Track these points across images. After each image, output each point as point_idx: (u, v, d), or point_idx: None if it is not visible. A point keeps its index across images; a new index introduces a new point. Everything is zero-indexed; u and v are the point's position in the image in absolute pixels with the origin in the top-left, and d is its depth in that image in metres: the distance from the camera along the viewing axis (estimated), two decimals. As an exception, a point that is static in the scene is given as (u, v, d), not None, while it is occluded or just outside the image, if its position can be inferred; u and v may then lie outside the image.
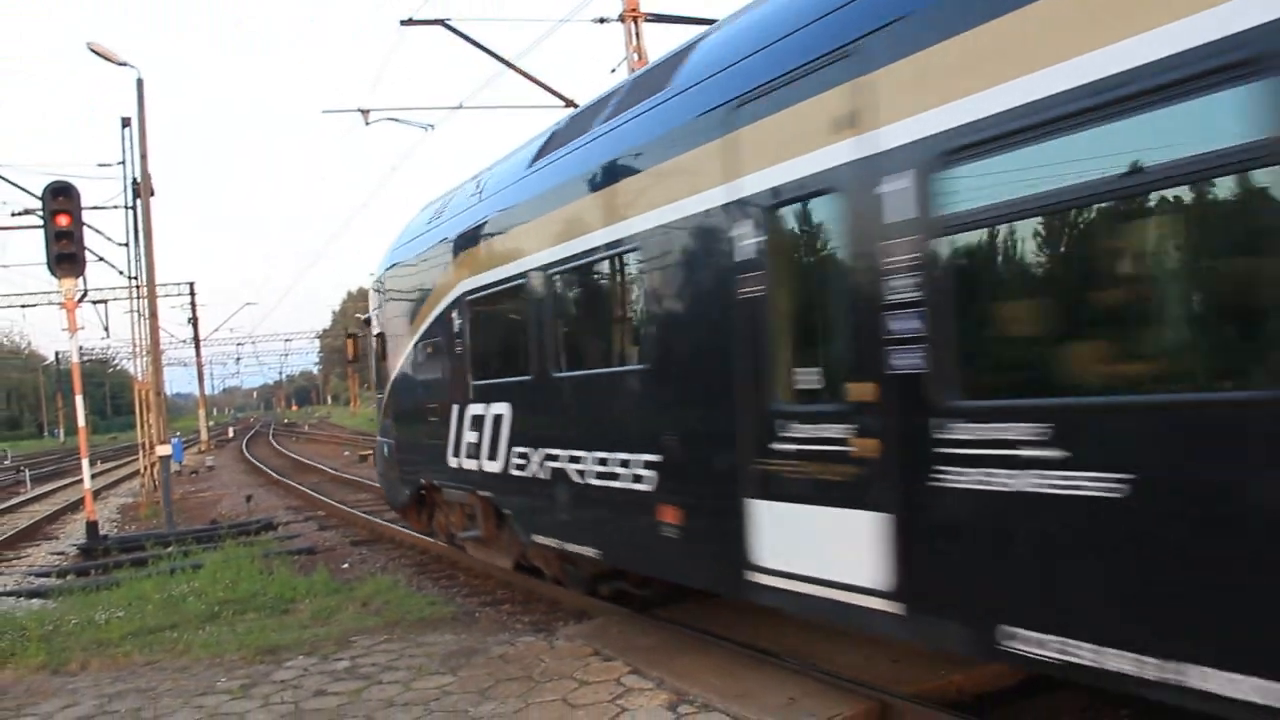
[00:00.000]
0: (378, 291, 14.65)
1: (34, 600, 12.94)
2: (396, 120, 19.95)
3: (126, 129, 24.42)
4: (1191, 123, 4.08)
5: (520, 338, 9.70)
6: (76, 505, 24.16)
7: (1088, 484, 4.44)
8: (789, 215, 6.28)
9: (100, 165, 30.13)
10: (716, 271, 6.78)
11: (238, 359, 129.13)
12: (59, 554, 17.91)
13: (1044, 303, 4.94)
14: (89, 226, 26.75)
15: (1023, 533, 4.78)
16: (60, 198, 16.63)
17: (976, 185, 4.96)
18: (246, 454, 47.13)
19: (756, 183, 6.38)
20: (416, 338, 12.60)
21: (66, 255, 16.61)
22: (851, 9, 5.70)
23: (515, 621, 10.10)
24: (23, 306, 53.91)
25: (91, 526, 17.51)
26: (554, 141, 9.61)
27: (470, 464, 10.93)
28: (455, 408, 11.27)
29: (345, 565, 14.44)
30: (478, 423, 10.67)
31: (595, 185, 8.38)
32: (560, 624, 9.57)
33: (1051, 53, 4.50)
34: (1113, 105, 4.26)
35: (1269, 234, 3.93)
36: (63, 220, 16.53)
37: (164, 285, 52.05)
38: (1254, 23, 3.78)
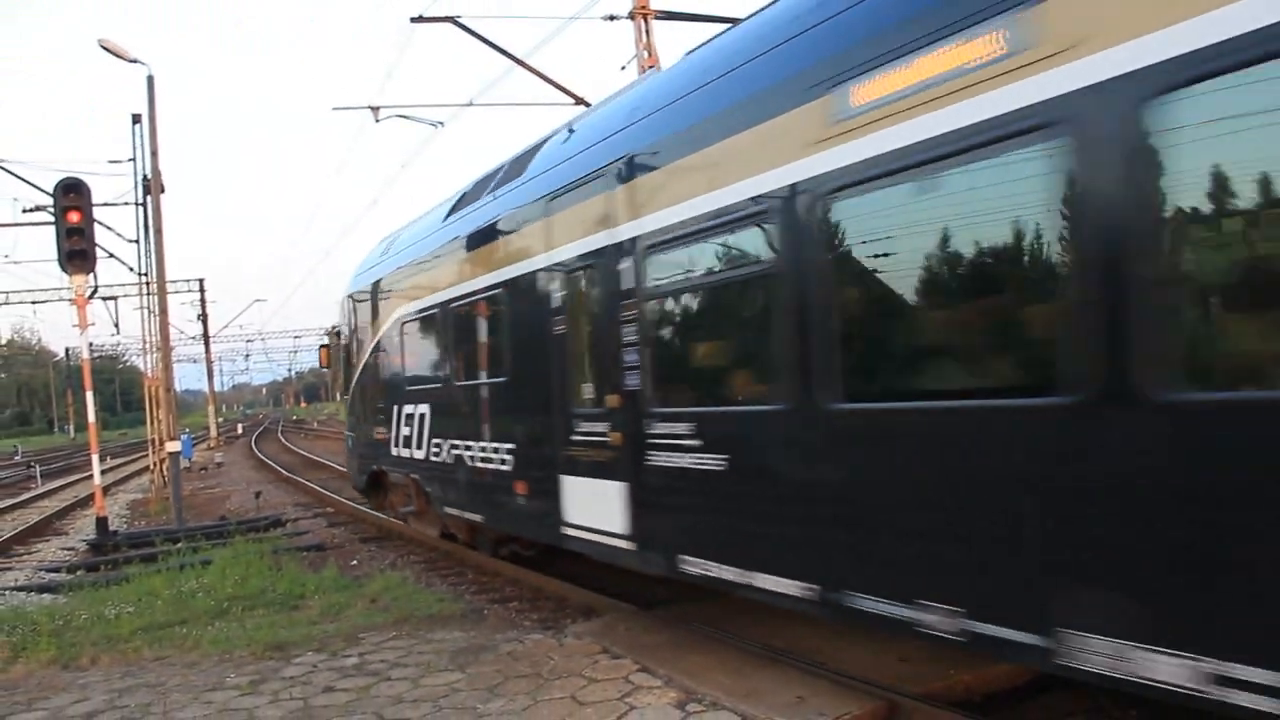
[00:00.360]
0: (344, 308, 17.78)
1: (44, 595, 13.01)
2: (406, 117, 19.98)
3: (137, 126, 24.47)
4: (722, 250, 7.13)
5: (435, 354, 12.83)
6: (86, 501, 24.22)
7: (710, 462, 7.13)
8: (578, 278, 8.99)
9: (111, 162, 30.16)
10: (541, 314, 9.53)
11: (247, 355, 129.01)
12: (69, 549, 17.98)
13: (687, 348, 7.88)
14: (99, 223, 26.76)
15: (683, 494, 7.47)
16: (71, 194, 16.67)
17: (660, 269, 7.69)
18: (255, 450, 47.26)
19: (561, 254, 9.22)
20: (370, 350, 15.76)
21: (77, 251, 16.65)
22: (609, 143, 8.61)
23: (523, 619, 10.11)
24: (34, 303, 53.87)
25: (101, 522, 17.56)
26: (459, 203, 12.53)
27: (405, 453, 13.99)
28: (395, 408, 14.35)
29: (354, 562, 14.46)
30: (409, 420, 13.72)
31: (478, 243, 11.29)
32: (568, 622, 9.58)
33: (684, 194, 7.35)
34: (703, 231, 7.14)
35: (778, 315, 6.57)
36: (74, 217, 16.57)
37: (174, 282, 52.17)
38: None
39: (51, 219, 18.41)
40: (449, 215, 12.60)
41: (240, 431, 73.88)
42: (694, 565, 7.37)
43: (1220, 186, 4.18)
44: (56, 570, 15.33)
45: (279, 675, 8.11)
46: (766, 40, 6.83)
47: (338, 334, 18.88)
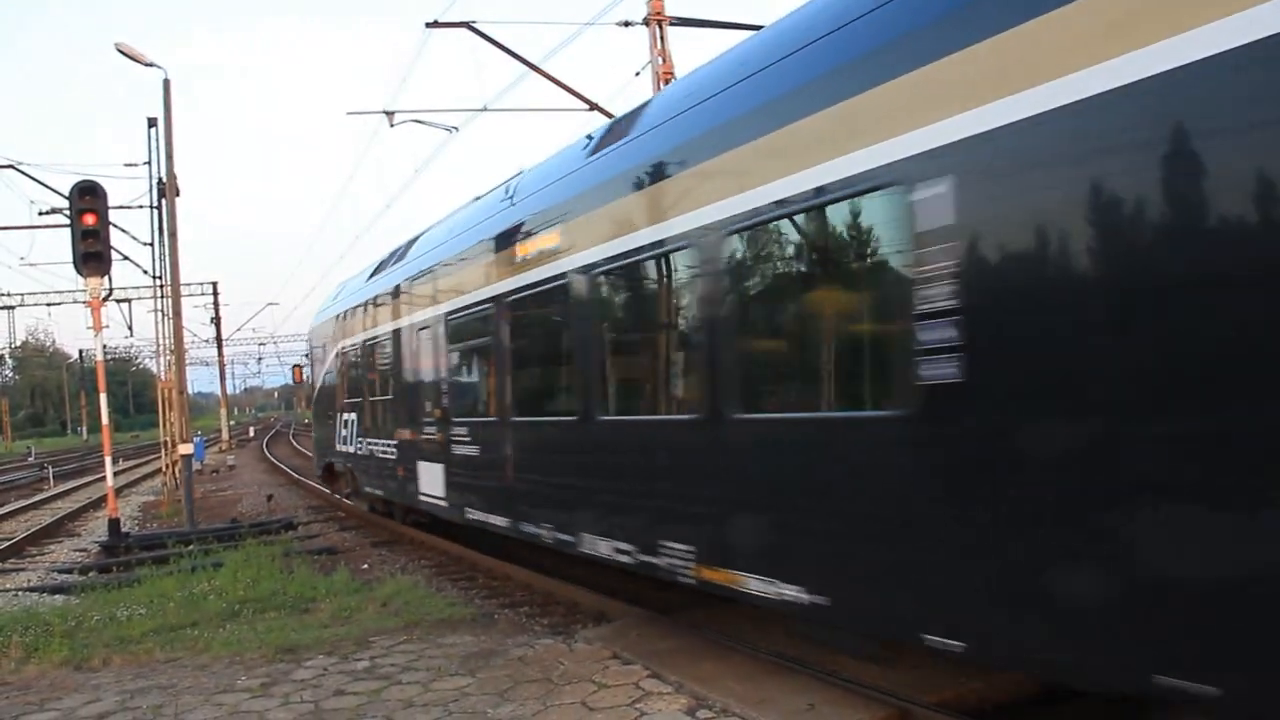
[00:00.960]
0: (309, 339, 24.31)
1: (57, 596, 13.04)
2: (421, 122, 20.00)
3: (153, 129, 24.61)
4: (463, 332, 12.42)
5: (358, 378, 18.13)
6: (99, 503, 24.29)
7: (476, 452, 11.69)
8: (419, 334, 13.92)
9: (127, 165, 30.32)
10: (404, 355, 14.74)
11: (259, 359, 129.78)
12: (81, 551, 18.03)
13: (461, 383, 12.63)
14: (115, 226, 26.90)
15: (460, 470, 12.31)
16: (87, 197, 16.73)
17: (451, 334, 12.58)
18: (267, 453, 47.37)
19: (410, 320, 14.38)
20: (323, 372, 21.63)
21: (93, 254, 16.71)
22: (433, 253, 13.70)
23: (534, 623, 10.10)
24: (48, 305, 54.17)
25: (114, 524, 17.59)
26: (376, 270, 17.37)
27: (343, 448, 19.35)
28: (338, 416, 19.72)
29: (365, 566, 14.47)
30: (345, 424, 19.01)
31: (377, 301, 16.49)
32: (579, 627, 9.57)
33: (469, 285, 11.79)
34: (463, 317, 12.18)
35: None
36: (89, 219, 16.63)
37: (188, 285, 52.49)
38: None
39: (67, 221, 18.47)
40: (370, 277, 17.72)
41: (252, 434, 74.10)
42: (471, 514, 12.03)
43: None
44: (69, 571, 15.38)
45: (290, 678, 8.12)
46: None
47: (307, 357, 25.07)
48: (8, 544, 18.26)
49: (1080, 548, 4.47)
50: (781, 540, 6.56)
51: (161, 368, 29.01)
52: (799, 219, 6.46)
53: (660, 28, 18.14)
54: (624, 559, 8.36)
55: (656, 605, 9.55)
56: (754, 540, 6.79)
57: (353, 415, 18.20)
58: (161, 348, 28.26)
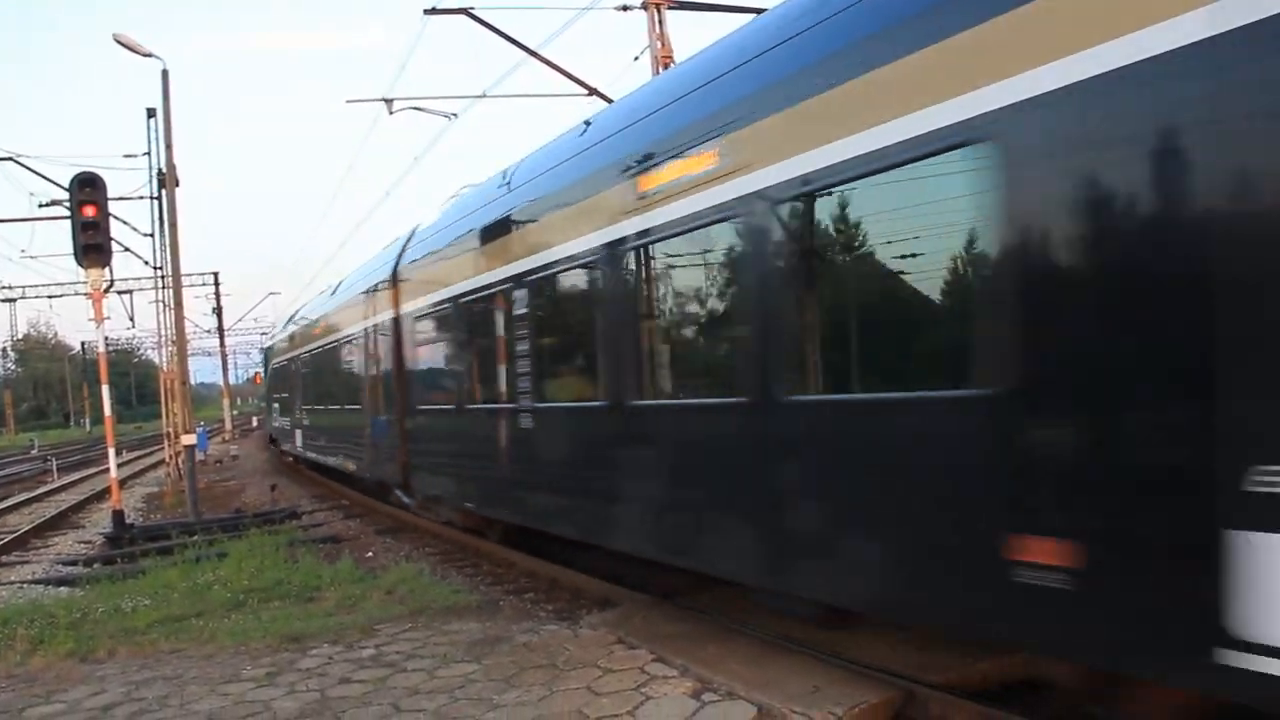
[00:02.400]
0: (267, 350, 38.44)
1: (62, 588, 13.07)
2: (420, 109, 19.94)
3: (152, 120, 24.54)
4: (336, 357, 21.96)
5: (303, 384, 26.54)
6: (102, 494, 24.32)
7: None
8: (331, 352, 22.07)
9: (126, 156, 30.42)
10: (346, 363, 20.01)
11: (261, 348, 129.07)
12: (86, 543, 18.06)
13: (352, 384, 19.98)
14: (115, 217, 26.79)
15: (311, 432, 25.90)
16: (87, 188, 16.69)
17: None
18: (270, 443, 47.41)
19: (319, 344, 23.57)
20: (267, 379, 39.35)
21: (93, 245, 16.68)
22: (335, 293, 22.68)
23: (539, 610, 10.11)
24: (50, 297, 54.23)
25: (118, 515, 17.61)
26: (335, 292, 22.70)
27: (276, 424, 35.48)
28: (277, 406, 34.35)
29: (370, 554, 14.50)
30: (281, 412, 33.66)
31: (297, 330, 28.37)
32: (584, 612, 9.57)
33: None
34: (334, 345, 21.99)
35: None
36: (89, 211, 16.59)
37: (189, 275, 52.28)
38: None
39: (67, 213, 18.44)
40: (293, 316, 30.67)
41: (255, 424, 74.04)
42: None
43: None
44: (73, 564, 15.40)
45: (295, 667, 8.12)
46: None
47: (264, 367, 39.99)
48: (12, 536, 18.31)
49: None
50: None
51: (164, 359, 29.06)
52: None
53: (659, 11, 18.04)
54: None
55: (660, 590, 9.55)
56: None
57: (278, 405, 35.12)
58: (163, 339, 28.25)
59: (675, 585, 9.43)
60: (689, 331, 8.57)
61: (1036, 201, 4.74)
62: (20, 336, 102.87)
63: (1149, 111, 4.21)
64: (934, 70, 5.17)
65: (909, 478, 5.56)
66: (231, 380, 74.67)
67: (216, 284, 58.74)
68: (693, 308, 8.21)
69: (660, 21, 18.04)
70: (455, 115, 20.28)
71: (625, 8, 18.19)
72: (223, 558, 13.36)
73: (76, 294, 50.49)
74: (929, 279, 5.87)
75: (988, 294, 5.15)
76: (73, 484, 31.04)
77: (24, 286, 55.48)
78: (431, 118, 20.38)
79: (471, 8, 16.22)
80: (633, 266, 8.31)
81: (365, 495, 20.67)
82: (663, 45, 17.78)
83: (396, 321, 15.45)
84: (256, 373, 42.33)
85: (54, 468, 37.04)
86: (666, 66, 17.46)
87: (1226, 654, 3.94)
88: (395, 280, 15.53)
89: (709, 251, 7.56)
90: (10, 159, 31.19)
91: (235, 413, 70.97)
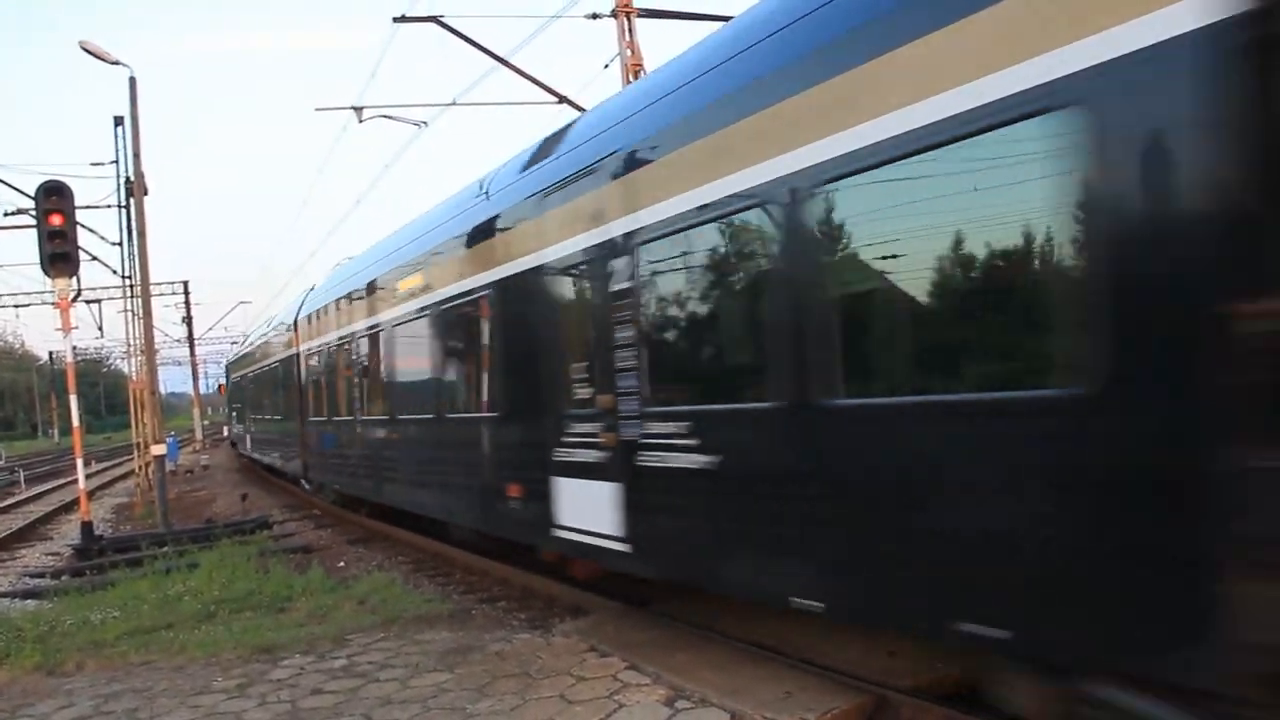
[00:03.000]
0: (228, 366, 48.60)
1: (29, 601, 12.92)
2: (390, 118, 19.91)
3: (119, 128, 24.34)
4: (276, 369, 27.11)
5: (246, 399, 36.78)
6: (71, 506, 24.12)
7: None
8: (266, 371, 28.70)
9: (94, 164, 29.96)
10: (272, 384, 26.75)
11: (225, 365, 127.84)
12: (54, 555, 17.89)
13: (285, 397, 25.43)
14: (82, 226, 26.57)
15: (258, 434, 32.71)
16: (54, 197, 16.57)
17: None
18: (232, 446, 47.22)
19: (265, 363, 28.81)
20: (230, 391, 46.43)
21: (60, 254, 16.56)
22: (282, 323, 25.65)
23: (511, 618, 10.09)
24: (16, 306, 53.57)
25: (86, 527, 17.45)
26: (270, 325, 28.68)
27: (236, 430, 44.15)
28: (235, 414, 45.07)
29: (341, 563, 14.42)
30: (238, 419, 42.95)
31: (258, 344, 32.19)
32: (557, 621, 9.56)
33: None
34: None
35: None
36: (56, 220, 16.47)
37: (158, 284, 51.89)
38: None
39: (33, 222, 18.28)
40: (245, 340, 43.28)
41: (226, 434, 73.44)
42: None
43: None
44: (41, 576, 15.25)
45: (266, 678, 8.08)
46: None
47: (226, 381, 48.08)
48: (-21, 549, 18.09)
49: None
50: None
51: (133, 368, 28.80)
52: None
53: (629, 20, 18.09)
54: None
55: (633, 598, 9.56)
56: None
57: (236, 412, 43.71)
58: (132, 348, 27.98)
59: (647, 593, 9.45)
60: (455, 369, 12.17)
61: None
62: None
63: None
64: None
65: None
66: (203, 390, 74.16)
67: (186, 293, 58.44)
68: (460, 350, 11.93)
69: (630, 29, 18.09)
70: (425, 123, 20.29)
71: (595, 15, 18.23)
72: (193, 568, 13.26)
73: (44, 303, 49.89)
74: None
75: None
76: (41, 495, 30.74)
77: (-11, 296, 54.82)
78: (401, 126, 20.37)
79: (441, 16, 16.22)
80: (405, 331, 13.25)
81: (289, 482, 26.39)
82: (633, 54, 17.83)
83: (297, 356, 21.63)
84: (221, 384, 49.52)
85: (21, 479, 36.65)
86: (637, 75, 17.50)
87: (555, 530, 8.90)
88: (295, 326, 21.81)
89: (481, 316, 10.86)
90: (-26, 167, 30.89)
91: (206, 422, 70.37)
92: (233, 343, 58.88)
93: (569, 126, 9.58)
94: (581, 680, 7.25)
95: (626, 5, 18.24)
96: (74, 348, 18.29)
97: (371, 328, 14.80)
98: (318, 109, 57.25)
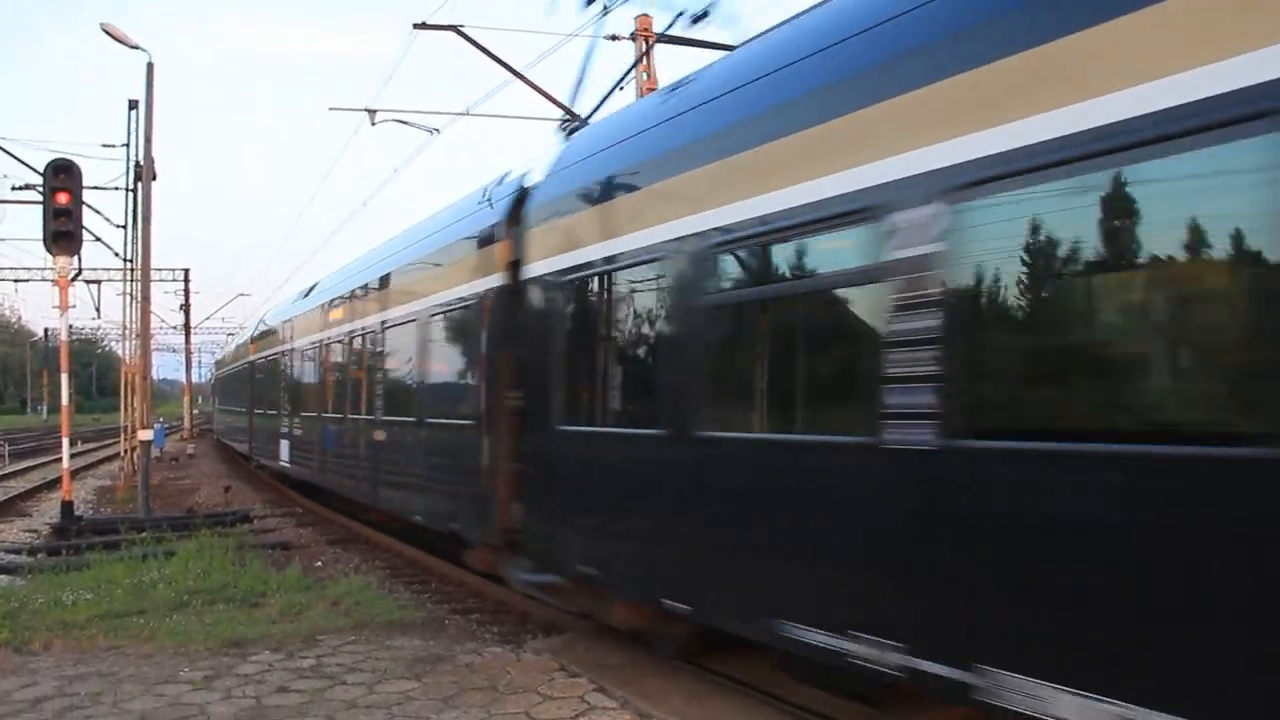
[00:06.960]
0: (217, 363, 58.62)
1: (2, 577, 12.87)
2: (403, 122, 19.97)
3: (133, 112, 24.39)
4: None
5: (224, 393, 46.76)
6: (54, 484, 24.00)
7: (262, 433, 27.65)
8: (242, 373, 34.23)
9: (104, 146, 30.04)
10: (238, 383, 35.28)
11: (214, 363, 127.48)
12: (32, 532, 17.82)
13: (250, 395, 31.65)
14: (88, 206, 26.61)
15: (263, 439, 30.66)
16: (62, 175, 16.64)
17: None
18: (227, 443, 47.02)
19: (236, 367, 37.46)
20: (217, 385, 55.61)
21: (64, 233, 16.60)
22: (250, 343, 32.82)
23: (484, 631, 10.06)
24: (15, 281, 53.50)
25: (67, 506, 17.41)
26: (238, 337, 41.57)
27: (219, 424, 48.41)
28: (218, 410, 51.32)
29: (319, 563, 14.37)
30: (222, 414, 47.48)
31: (232, 350, 42.71)
32: (529, 637, 9.55)
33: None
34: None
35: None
36: (62, 198, 16.52)
37: (159, 270, 51.88)
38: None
39: (40, 198, 18.31)
40: (230, 344, 48.62)
41: (211, 426, 73.27)
42: (263, 460, 26.56)
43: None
44: (17, 552, 15.17)
45: (234, 672, 8.05)
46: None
47: (217, 378, 55.53)
48: (-44, 521, 18.02)
49: None
50: None
51: (127, 351, 28.75)
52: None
53: (647, 43, 18.19)
54: None
55: (606, 620, 9.52)
56: None
57: (219, 407, 49.89)
58: (128, 331, 27.95)
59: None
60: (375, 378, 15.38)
61: None
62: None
63: None
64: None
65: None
66: (195, 379, 74.00)
67: (186, 281, 58.47)
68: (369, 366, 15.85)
69: (647, 53, 18.17)
70: (438, 130, 20.34)
71: (615, 37, 18.34)
72: (170, 556, 13.20)
73: (44, 280, 49.84)
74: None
75: None
76: (24, 471, 30.65)
77: (-12, 269, 54.75)
78: (413, 131, 20.43)
79: (461, 25, 16.27)
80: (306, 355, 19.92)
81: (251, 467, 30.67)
82: (649, 76, 17.91)
83: (252, 364, 29.27)
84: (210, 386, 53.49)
85: (5, 453, 36.53)
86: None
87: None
88: (251, 342, 30.21)
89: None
90: (-15, 140, 30.93)
91: (196, 411, 70.21)
92: (229, 334, 58.77)
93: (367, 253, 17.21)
94: (549, 699, 7.23)
95: (646, 30, 18.34)
96: (70, 326, 18.29)
97: (288, 351, 22.06)
98: (332, 109, 57.64)
